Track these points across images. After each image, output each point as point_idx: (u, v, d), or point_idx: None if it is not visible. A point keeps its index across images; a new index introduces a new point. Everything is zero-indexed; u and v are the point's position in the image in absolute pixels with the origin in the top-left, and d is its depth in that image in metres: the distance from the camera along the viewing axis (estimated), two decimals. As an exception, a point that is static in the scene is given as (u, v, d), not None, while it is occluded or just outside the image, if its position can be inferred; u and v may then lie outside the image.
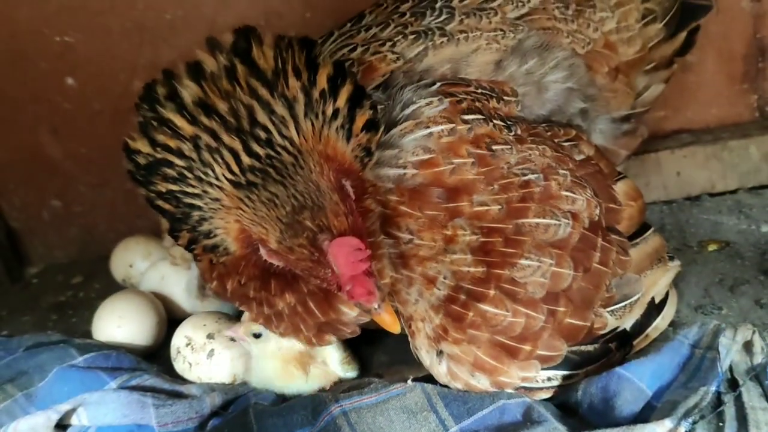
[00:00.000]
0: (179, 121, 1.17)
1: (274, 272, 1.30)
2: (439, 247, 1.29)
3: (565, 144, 1.46)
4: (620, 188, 1.47)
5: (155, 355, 1.76)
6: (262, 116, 1.16)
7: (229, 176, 1.16)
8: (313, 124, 1.19)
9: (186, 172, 1.18)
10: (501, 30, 1.49)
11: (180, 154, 1.17)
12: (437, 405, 1.27)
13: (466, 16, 1.50)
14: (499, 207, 1.29)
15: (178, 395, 1.46)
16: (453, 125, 1.31)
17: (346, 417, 1.27)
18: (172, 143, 1.18)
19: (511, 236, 1.27)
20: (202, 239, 1.26)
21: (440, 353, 1.30)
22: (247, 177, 1.15)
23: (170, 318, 1.84)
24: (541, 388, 1.33)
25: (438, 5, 1.52)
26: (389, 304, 1.21)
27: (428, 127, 1.30)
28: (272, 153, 1.16)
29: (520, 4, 1.54)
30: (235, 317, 1.65)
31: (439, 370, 1.30)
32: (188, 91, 1.18)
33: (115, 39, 2.20)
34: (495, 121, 1.37)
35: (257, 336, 1.46)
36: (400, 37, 1.47)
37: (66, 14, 2.17)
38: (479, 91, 1.41)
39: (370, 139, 1.27)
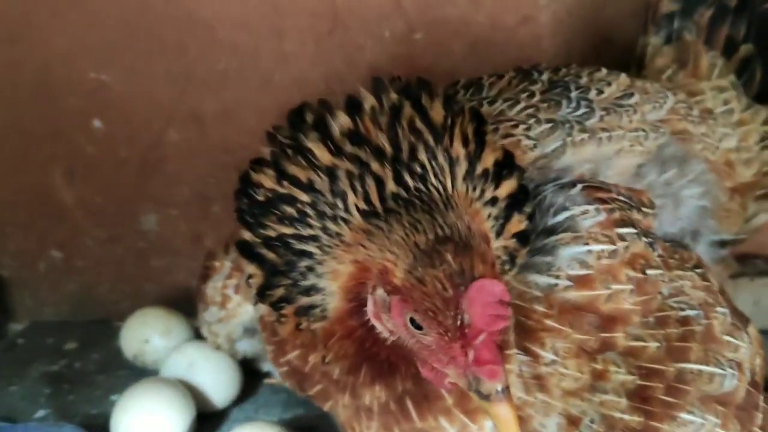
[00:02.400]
0: (319, 150, 1.06)
1: (369, 356, 1.09)
2: (585, 382, 1.10)
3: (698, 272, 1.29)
4: (752, 333, 1.30)
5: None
6: (422, 155, 1.04)
7: (363, 206, 1.02)
8: (467, 192, 1.05)
9: (308, 209, 1.05)
10: (643, 131, 1.35)
11: (308, 187, 1.05)
12: None
13: (606, 112, 1.35)
14: (658, 344, 1.11)
15: None
16: (614, 247, 1.15)
17: None
18: (303, 175, 1.05)
19: (672, 383, 1.09)
20: (298, 297, 1.07)
21: None
22: (386, 205, 1.01)
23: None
24: None
25: (573, 95, 1.37)
26: (513, 398, 0.98)
27: (587, 244, 1.14)
28: (423, 188, 1.03)
29: (657, 105, 1.42)
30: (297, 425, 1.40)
31: None
32: (339, 121, 1.08)
33: (157, 83, 1.99)
34: (645, 238, 1.20)
35: None
36: (532, 121, 1.31)
37: (108, 50, 1.97)
38: (621, 198, 1.24)
39: (518, 250, 1.09)
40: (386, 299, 1.00)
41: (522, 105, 1.35)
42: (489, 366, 0.92)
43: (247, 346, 1.66)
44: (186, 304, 1.97)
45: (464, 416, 1.13)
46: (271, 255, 1.09)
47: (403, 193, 1.02)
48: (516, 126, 1.30)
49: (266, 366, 1.78)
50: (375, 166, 1.04)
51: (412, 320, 0.97)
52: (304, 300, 1.07)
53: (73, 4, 1.94)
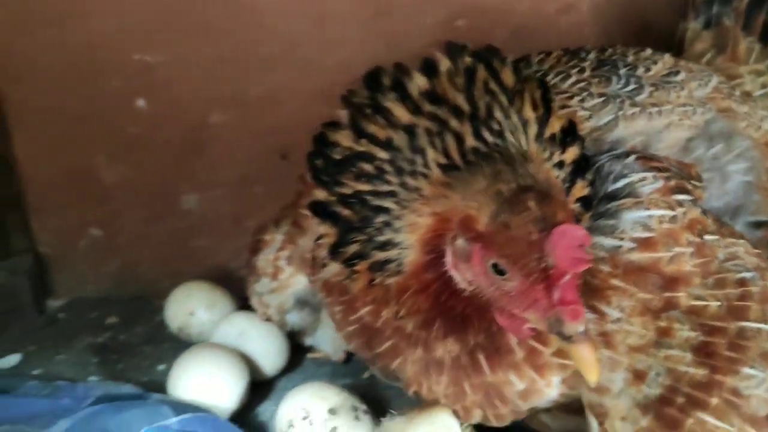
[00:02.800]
0: (398, 110, 1.11)
1: (444, 310, 1.14)
2: (650, 339, 1.15)
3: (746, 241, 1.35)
4: None
5: (238, 422, 1.54)
6: (498, 114, 1.10)
7: (443, 161, 1.07)
8: (538, 152, 1.11)
9: (386, 166, 1.10)
10: (691, 106, 1.41)
11: (387, 145, 1.10)
12: None
13: (654, 88, 1.42)
14: (719, 304, 1.16)
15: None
16: (673, 212, 1.21)
17: None
18: (382, 133, 1.11)
19: (734, 339, 1.14)
20: (373, 253, 1.12)
21: (642, 460, 1.13)
22: (467, 158, 1.07)
23: (249, 381, 1.64)
24: None
25: (622, 72, 1.44)
26: (591, 343, 1.02)
27: (648, 209, 1.20)
28: (500, 143, 1.08)
29: (702, 83, 1.48)
30: (351, 390, 1.44)
31: (638, 479, 1.14)
32: (416, 82, 1.14)
33: (201, 66, 2.03)
34: (699, 206, 1.25)
35: None
36: (585, 94, 1.37)
37: (153, 32, 2.00)
38: (674, 169, 1.30)
39: (582, 215, 1.15)
40: (467, 248, 1.05)
41: (574, 79, 1.41)
42: (572, 306, 0.97)
43: (295, 318, 1.71)
44: (225, 284, 2.03)
45: (533, 371, 1.18)
46: (346, 212, 1.14)
47: (483, 148, 1.07)
48: (571, 98, 1.37)
49: (309, 340, 1.83)
50: (454, 123, 1.09)
51: (494, 266, 1.02)
52: (380, 255, 1.12)
53: (119, -15, 1.97)
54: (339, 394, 1.40)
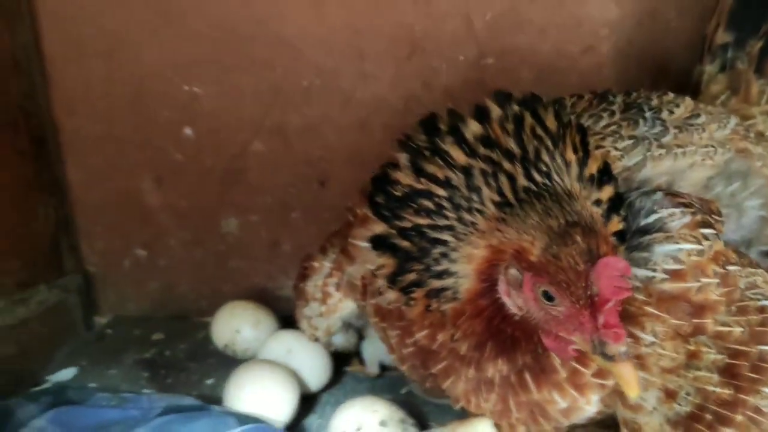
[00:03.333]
0: (455, 153, 1.23)
1: (495, 333, 1.25)
2: (680, 361, 1.27)
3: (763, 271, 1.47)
4: None
5: (288, 435, 1.66)
6: (545, 157, 1.22)
7: (497, 198, 1.19)
8: (580, 191, 1.22)
9: (444, 203, 1.21)
10: (712, 147, 1.52)
11: (446, 183, 1.21)
12: None
13: (678, 130, 1.53)
14: (742, 329, 1.28)
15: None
16: (701, 246, 1.32)
17: None
18: (441, 173, 1.22)
19: (756, 362, 1.26)
20: (430, 281, 1.24)
21: (673, 474, 1.25)
22: (519, 196, 1.18)
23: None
24: None
25: (648, 115, 1.55)
26: (632, 362, 1.14)
27: (678, 243, 1.31)
28: (548, 183, 1.20)
29: (722, 124, 1.59)
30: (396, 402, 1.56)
31: (669, 493, 1.26)
32: (471, 127, 1.25)
33: (245, 98, 2.16)
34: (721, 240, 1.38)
35: None
36: (616, 136, 1.49)
37: (200, 65, 2.14)
38: (696, 205, 1.42)
39: (617, 248, 1.26)
40: (518, 277, 1.17)
41: (605, 121, 1.53)
42: (614, 329, 1.09)
43: (341, 340, 1.84)
44: (263, 302, 2.15)
45: (574, 391, 1.29)
46: (405, 243, 1.25)
47: (533, 187, 1.19)
48: (604, 138, 1.48)
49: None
50: (506, 165, 1.21)
51: (544, 293, 1.14)
52: (436, 283, 1.24)
53: (169, 22, 2.10)
54: (389, 408, 1.51)
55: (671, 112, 1.58)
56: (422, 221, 1.24)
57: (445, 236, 1.22)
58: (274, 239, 2.27)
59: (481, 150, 1.24)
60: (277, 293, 2.28)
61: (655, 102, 1.61)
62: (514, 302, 1.20)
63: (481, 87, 2.09)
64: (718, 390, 1.24)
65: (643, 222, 1.34)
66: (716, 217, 1.44)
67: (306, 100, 2.15)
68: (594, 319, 1.09)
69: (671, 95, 1.65)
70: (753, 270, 1.39)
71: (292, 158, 2.20)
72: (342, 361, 1.96)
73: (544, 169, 1.22)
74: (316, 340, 1.82)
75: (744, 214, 1.55)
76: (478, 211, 1.20)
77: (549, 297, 1.14)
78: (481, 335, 1.26)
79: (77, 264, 2.26)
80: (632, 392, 1.10)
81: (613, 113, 1.55)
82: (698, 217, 1.37)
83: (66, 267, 2.18)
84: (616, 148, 1.47)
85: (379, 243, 1.30)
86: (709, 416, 1.23)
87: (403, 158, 1.30)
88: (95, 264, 2.32)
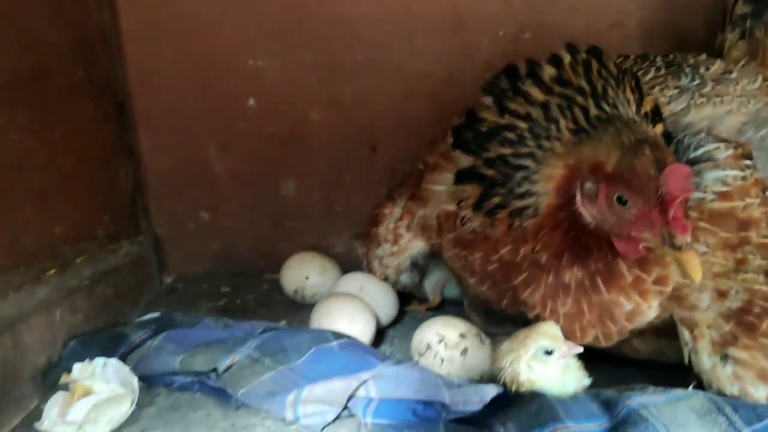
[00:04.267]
0: (534, 92, 1.48)
1: (572, 243, 1.47)
2: (730, 267, 1.50)
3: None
4: None
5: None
6: (611, 93, 1.47)
7: (572, 126, 1.43)
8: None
9: (525, 134, 1.46)
10: (745, 97, 1.76)
11: (527, 117, 1.46)
12: (725, 409, 1.42)
13: (715, 83, 1.77)
14: None
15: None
16: (744, 173, 1.56)
17: (647, 410, 1.40)
18: (522, 109, 1.47)
19: None
20: (513, 202, 1.47)
21: (725, 357, 1.47)
22: (591, 123, 1.42)
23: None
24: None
25: (687, 71, 1.79)
26: (696, 252, 1.35)
27: (725, 170, 1.55)
28: (616, 112, 1.44)
29: (752, 80, 1.83)
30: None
31: (723, 372, 1.47)
32: (547, 71, 1.50)
33: (305, 70, 2.37)
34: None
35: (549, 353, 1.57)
36: (663, 86, 1.74)
37: (265, 41, 2.35)
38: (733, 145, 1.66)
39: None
40: (594, 189, 1.40)
41: (652, 75, 1.78)
42: (682, 221, 1.32)
43: (407, 278, 2.05)
44: (326, 256, 2.33)
45: (638, 295, 1.51)
46: (490, 172, 1.50)
47: (603, 116, 1.44)
48: (652, 88, 1.73)
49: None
50: (579, 99, 1.46)
51: (618, 198, 1.37)
52: (519, 203, 1.48)
53: (239, 3, 2.32)
54: (466, 323, 1.72)
55: (707, 69, 1.82)
56: (506, 151, 1.48)
57: (527, 162, 1.46)
58: (328, 201, 2.48)
59: (557, 88, 1.48)
60: (330, 251, 2.46)
61: (692, 61, 1.86)
62: (589, 212, 1.44)
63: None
64: (764, 288, 1.47)
65: (692, 154, 1.58)
66: (748, 158, 1.67)
67: (359, 73, 2.37)
68: (664, 215, 1.32)
69: (704, 55, 1.89)
70: (781, 198, 1.62)
71: (345, 125, 2.41)
72: (403, 302, 2.16)
73: (611, 101, 1.46)
74: (386, 278, 2.02)
75: (770, 158, 1.79)
76: (556, 138, 1.44)
77: (623, 201, 1.37)
78: (559, 246, 1.48)
79: (148, 225, 2.44)
80: (696, 275, 1.32)
81: (658, 69, 1.80)
82: (739, 151, 1.61)
83: (141, 226, 2.36)
84: (663, 95, 1.71)
85: (464, 176, 1.55)
86: (757, 309, 1.46)
87: (487, 100, 1.54)
88: (163, 225, 2.50)
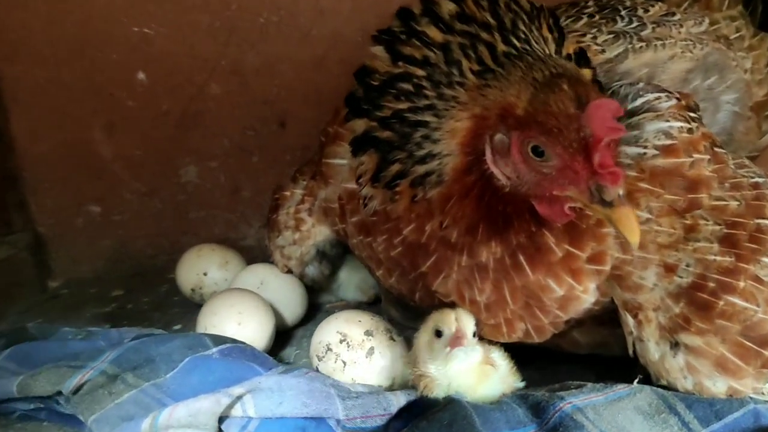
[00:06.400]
0: (432, 31, 1.21)
1: (486, 213, 1.20)
2: (678, 236, 1.24)
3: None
4: None
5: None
6: (522, 26, 1.21)
7: (477, 68, 1.16)
8: None
9: (423, 82, 1.19)
10: (690, 41, 1.52)
11: (424, 62, 1.19)
12: (677, 407, 1.18)
13: (656, 25, 1.53)
14: (738, 203, 1.26)
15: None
16: (690, 125, 1.30)
17: (582, 413, 1.16)
18: (418, 53, 1.20)
19: (753, 232, 1.24)
20: (414, 168, 1.20)
21: (675, 345, 1.22)
22: (499, 61, 1.15)
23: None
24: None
25: (624, 13, 1.55)
26: (631, 207, 1.09)
27: (668, 121, 1.29)
28: (528, 48, 1.18)
29: (698, 22, 1.60)
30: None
31: (674, 363, 1.22)
32: (446, 7, 1.23)
33: (200, 37, 2.09)
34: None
35: (475, 335, 1.30)
36: (595, 31, 1.48)
37: (151, 5, 2.05)
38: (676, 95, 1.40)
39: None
40: (505, 140, 1.13)
41: (584, 21, 1.52)
42: (611, 169, 1.04)
43: (315, 271, 1.76)
44: (229, 247, 2.04)
45: (569, 277, 1.25)
46: (386, 133, 1.22)
47: (513, 51, 1.16)
48: (583, 35, 1.47)
49: (322, 298, 1.88)
50: (484, 35, 1.18)
51: (534, 149, 1.09)
52: (420, 169, 1.20)
53: (117, -41, 2.01)
54: (373, 318, 1.43)
55: (646, 11, 1.57)
56: (402, 105, 1.21)
57: (426, 117, 1.19)
58: (235, 186, 2.20)
59: (458, 26, 1.21)
60: (239, 243, 2.19)
61: (628, 3, 1.60)
62: (502, 171, 1.16)
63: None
64: (719, 258, 1.22)
65: (630, 105, 1.33)
66: (693, 113, 1.43)
67: (262, 38, 2.09)
68: (589, 163, 1.05)
69: (642, -2, 1.64)
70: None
71: (249, 99, 2.13)
72: (316, 298, 1.88)
73: (522, 36, 1.19)
74: (289, 271, 1.74)
75: (720, 109, 1.56)
76: (459, 83, 1.17)
77: (539, 153, 1.10)
78: (471, 217, 1.21)
79: (26, 222, 2.13)
80: (633, 237, 1.06)
81: (591, 15, 1.56)
82: (683, 102, 1.35)
83: (15, 224, 2.04)
84: (596, 43, 1.46)
85: (359, 143, 1.27)
86: (711, 284, 1.20)
87: (378, 49, 1.26)
88: (44, 224, 2.19)
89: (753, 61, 1.72)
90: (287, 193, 1.71)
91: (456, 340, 1.22)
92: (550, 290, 1.26)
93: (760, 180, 1.31)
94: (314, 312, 1.86)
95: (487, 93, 1.14)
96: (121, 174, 2.17)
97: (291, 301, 1.73)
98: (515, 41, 1.18)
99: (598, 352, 1.44)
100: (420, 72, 1.20)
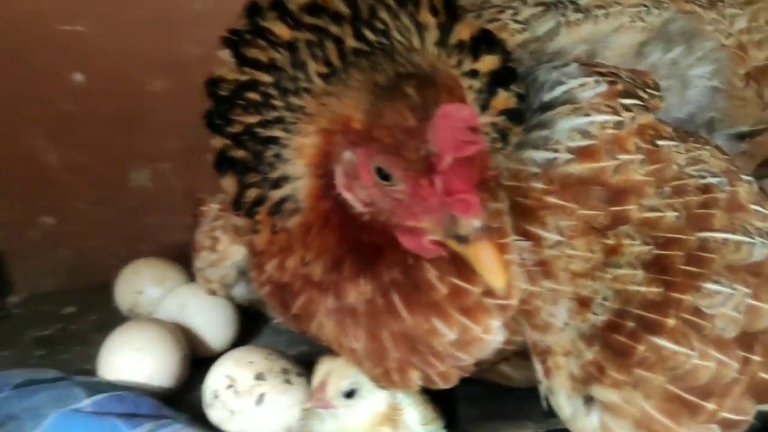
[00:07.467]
0: (278, 28, 0.99)
1: (351, 245, 1.01)
2: (597, 261, 1.00)
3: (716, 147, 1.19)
4: None
5: (177, 401, 1.42)
6: (383, 14, 0.97)
7: (324, 70, 0.95)
8: (441, 57, 0.97)
9: (271, 90, 0.98)
10: (644, 6, 1.25)
11: (270, 66, 0.98)
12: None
13: (599, -10, 1.24)
14: (676, 214, 1.01)
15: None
16: (619, 118, 1.06)
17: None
18: (263, 56, 0.99)
19: (694, 251, 0.99)
20: (270, 194, 1.01)
21: (589, 400, 0.99)
22: (346, 59, 0.94)
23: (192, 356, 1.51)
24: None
25: None
26: (494, 242, 0.88)
27: (588, 115, 1.05)
28: (385, 41, 0.95)
29: None
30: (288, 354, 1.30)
31: (586, 423, 0.99)
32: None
33: (133, 31, 1.90)
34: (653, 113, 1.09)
35: (350, 395, 1.11)
36: (518, 3, 1.23)
37: (79, 1, 1.87)
38: (624, 77, 1.14)
39: (510, 129, 1.00)
40: (353, 161, 0.93)
41: None
42: (460, 196, 0.83)
43: (243, 291, 1.57)
44: (184, 261, 1.90)
45: (462, 316, 1.03)
46: (240, 153, 1.02)
47: (365, 47, 0.94)
48: (502, 11, 1.23)
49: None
50: (334, 28, 0.96)
51: (378, 171, 0.89)
52: (275, 194, 1.00)
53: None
54: (267, 358, 1.26)
55: (588, -29, 1.29)
56: (252, 119, 1.00)
57: (276, 132, 0.98)
58: (189, 187, 2.02)
59: (307, 19, 0.99)
60: (198, 248, 2.02)
61: (565, -35, 1.32)
62: (356, 196, 0.95)
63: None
64: (643, 289, 0.98)
65: (546, 97, 1.09)
66: (651, 91, 1.16)
67: (199, 26, 1.88)
68: (436, 188, 0.84)
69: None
70: (698, 146, 1.12)
71: (194, 93, 1.90)
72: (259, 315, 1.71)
73: (380, 26, 0.96)
74: (214, 293, 1.56)
75: (689, 86, 1.28)
76: (306, 90, 0.96)
77: (384, 175, 0.89)
78: (335, 251, 1.01)
79: (-25, 239, 2.02)
80: (497, 281, 0.86)
81: None
82: (619, 86, 1.10)
83: (-40, 243, 1.94)
84: (516, 21, 1.21)
85: (218, 163, 1.07)
86: (630, 323, 0.97)
87: (225, 53, 1.06)
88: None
89: (750, 18, 1.42)
90: (205, 209, 1.54)
91: (314, 400, 1.02)
92: (439, 334, 1.04)
93: (714, 181, 1.05)
94: (255, 332, 1.68)
95: (328, 102, 0.93)
96: (71, 183, 2.04)
97: (216, 326, 1.58)
98: (369, 34, 0.95)
99: (535, 386, 1.21)
100: (266, 78, 0.99)
